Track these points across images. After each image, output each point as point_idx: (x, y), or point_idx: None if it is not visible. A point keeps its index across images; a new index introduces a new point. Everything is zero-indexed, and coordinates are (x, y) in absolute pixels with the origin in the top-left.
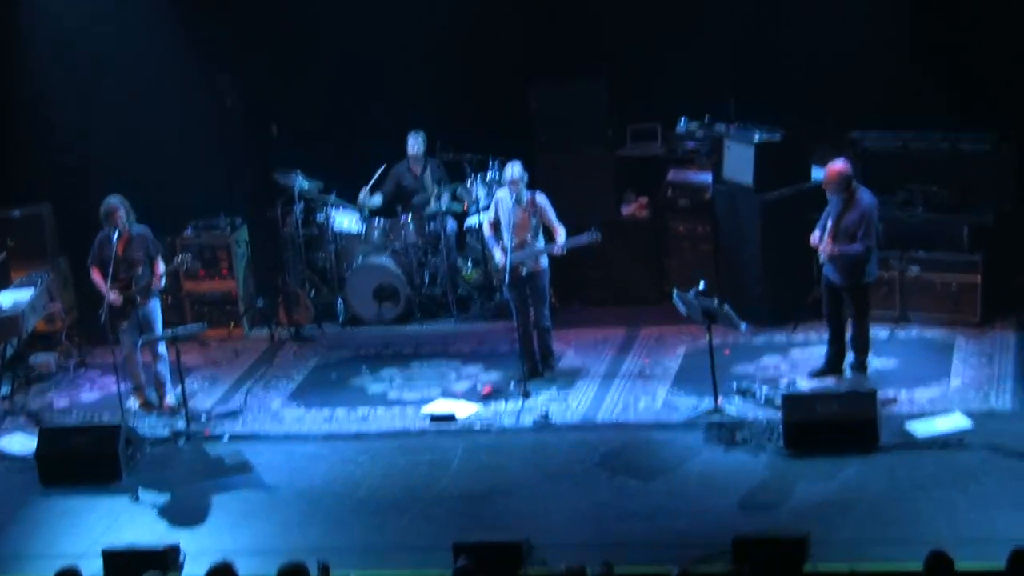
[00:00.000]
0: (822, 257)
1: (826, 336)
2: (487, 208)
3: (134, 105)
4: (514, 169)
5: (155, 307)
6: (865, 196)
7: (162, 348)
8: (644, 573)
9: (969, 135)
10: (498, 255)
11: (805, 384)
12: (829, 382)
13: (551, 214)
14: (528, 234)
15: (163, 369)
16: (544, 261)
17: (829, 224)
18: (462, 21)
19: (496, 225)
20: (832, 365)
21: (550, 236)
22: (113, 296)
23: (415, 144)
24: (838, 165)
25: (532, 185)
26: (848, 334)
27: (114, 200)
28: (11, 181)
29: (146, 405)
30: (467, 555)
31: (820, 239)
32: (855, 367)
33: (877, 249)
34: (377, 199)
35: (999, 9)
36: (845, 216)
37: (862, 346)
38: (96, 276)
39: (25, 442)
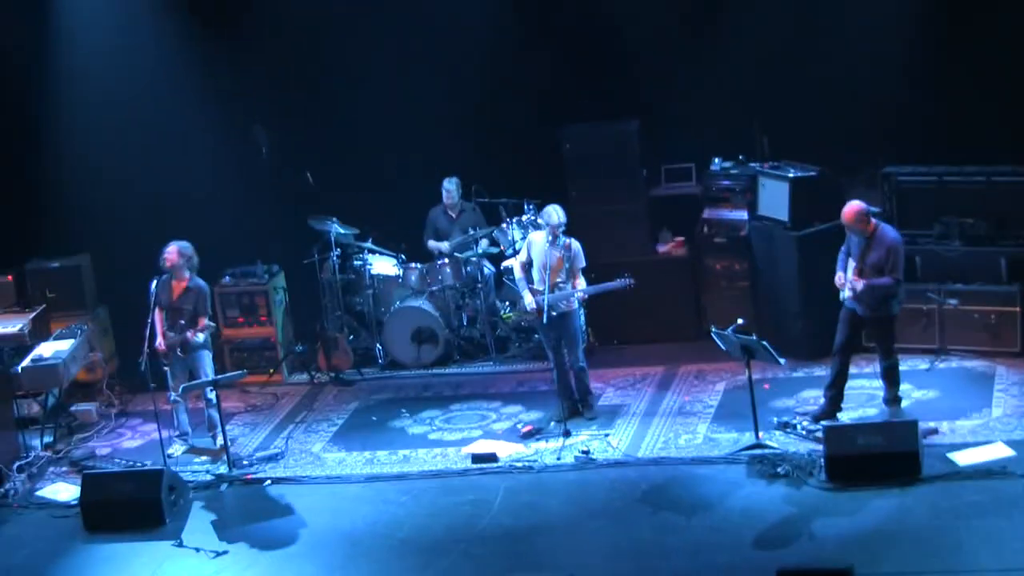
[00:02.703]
0: (846, 294)
1: (829, 373)
2: (521, 251)
3: (171, 155)
4: (559, 214)
5: (204, 357)
6: (888, 231)
7: (211, 394)
8: None
9: (1003, 168)
10: (527, 296)
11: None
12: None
13: (581, 262)
14: (560, 277)
15: (214, 414)
16: (575, 302)
17: (852, 262)
18: (495, 65)
19: (526, 266)
20: (833, 407)
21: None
22: (159, 342)
23: (451, 189)
24: (854, 205)
25: (568, 227)
26: (878, 368)
27: (173, 244)
28: (50, 232)
29: (192, 451)
30: None
31: (845, 278)
32: (889, 401)
33: (904, 282)
34: (445, 245)
35: None
36: (869, 254)
37: (894, 379)
38: (156, 318)
39: (69, 490)
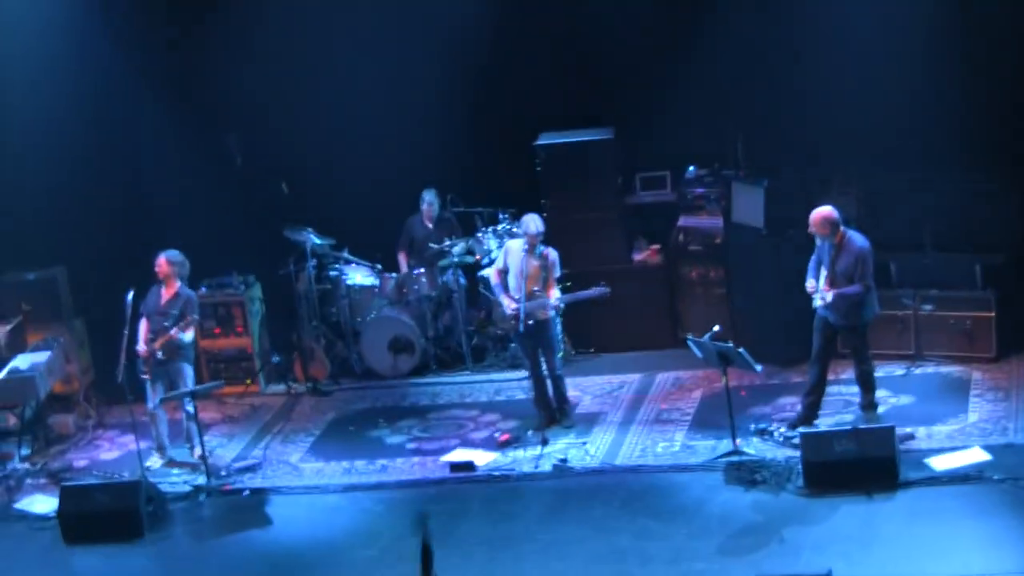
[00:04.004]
0: (818, 302)
1: (807, 380)
2: (497, 259)
3: (144, 167)
4: (536, 223)
5: (186, 369)
6: (856, 238)
7: (189, 406)
8: None
9: (977, 175)
10: (505, 302)
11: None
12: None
13: (557, 272)
14: (536, 286)
15: (192, 425)
16: (552, 311)
17: (824, 270)
18: (469, 76)
19: (503, 273)
20: (810, 414)
21: None
22: (141, 347)
23: (431, 201)
24: (821, 211)
25: (545, 236)
26: (853, 374)
27: (164, 253)
28: (25, 245)
29: (170, 463)
30: None
31: (816, 286)
32: (865, 406)
33: (876, 288)
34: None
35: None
36: (839, 261)
37: (869, 385)
38: (142, 326)
39: (46, 502)
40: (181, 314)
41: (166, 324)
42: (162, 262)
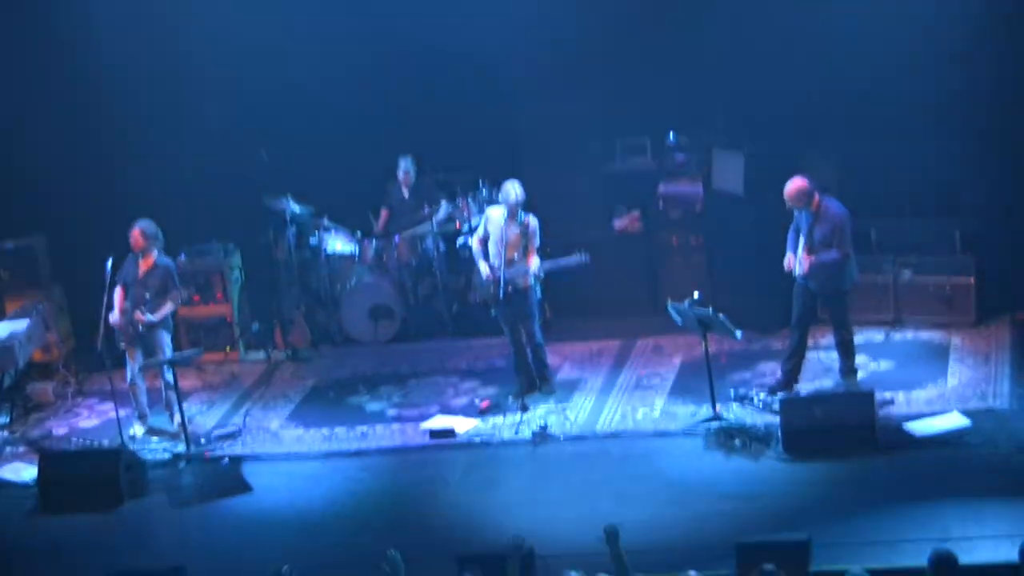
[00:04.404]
0: (798, 271)
1: (787, 345)
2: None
3: (123, 133)
4: (516, 191)
5: (164, 337)
6: (833, 205)
7: (168, 374)
8: None
9: (955, 139)
10: (484, 269)
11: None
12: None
13: (536, 241)
14: (516, 253)
15: (171, 393)
16: (532, 279)
17: (802, 238)
18: (449, 40)
19: (483, 241)
20: (790, 380)
21: None
22: (115, 315)
23: (408, 168)
24: (797, 181)
25: (525, 203)
26: (833, 340)
27: (137, 223)
28: (4, 212)
29: (151, 431)
30: (471, 567)
31: (795, 257)
32: (845, 373)
33: (856, 253)
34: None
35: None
36: (816, 229)
37: (849, 351)
38: (118, 295)
39: (25, 470)
40: (162, 286)
41: (147, 296)
42: (136, 235)
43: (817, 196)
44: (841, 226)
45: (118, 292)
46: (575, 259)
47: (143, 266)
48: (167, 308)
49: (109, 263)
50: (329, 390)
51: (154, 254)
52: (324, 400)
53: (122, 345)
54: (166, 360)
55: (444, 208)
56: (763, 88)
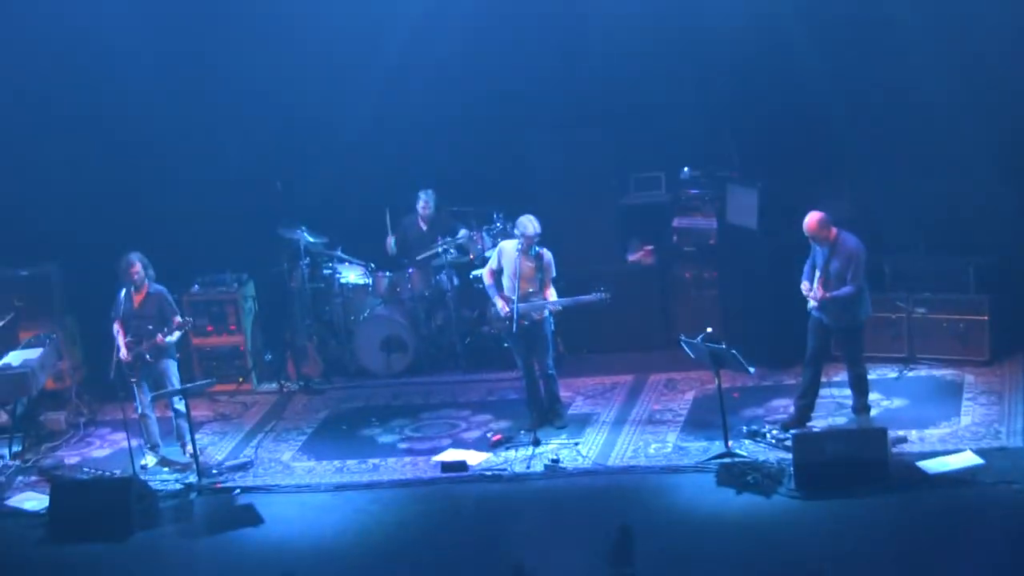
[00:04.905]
0: (811, 304)
1: (800, 382)
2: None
3: (139, 164)
4: (534, 224)
5: (170, 366)
6: (849, 240)
7: (179, 404)
8: None
9: (970, 177)
10: (499, 304)
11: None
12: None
13: (552, 273)
14: (531, 287)
15: (182, 423)
16: (546, 310)
17: (817, 272)
18: (464, 76)
19: (495, 274)
20: (803, 416)
21: None
22: (123, 353)
23: (427, 200)
24: (816, 215)
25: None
26: (847, 377)
27: (132, 257)
28: (19, 241)
29: (163, 462)
30: None
31: (810, 287)
32: (858, 410)
33: (869, 289)
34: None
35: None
36: (832, 262)
37: (862, 388)
38: (118, 331)
39: (37, 499)
40: (160, 314)
41: (149, 327)
42: (138, 267)
43: (834, 229)
44: (857, 259)
45: (117, 329)
46: (595, 296)
47: (137, 298)
48: (177, 331)
49: (122, 293)
50: (341, 422)
51: (147, 284)
52: (336, 432)
53: (132, 381)
54: (179, 390)
55: (464, 233)
56: (777, 124)
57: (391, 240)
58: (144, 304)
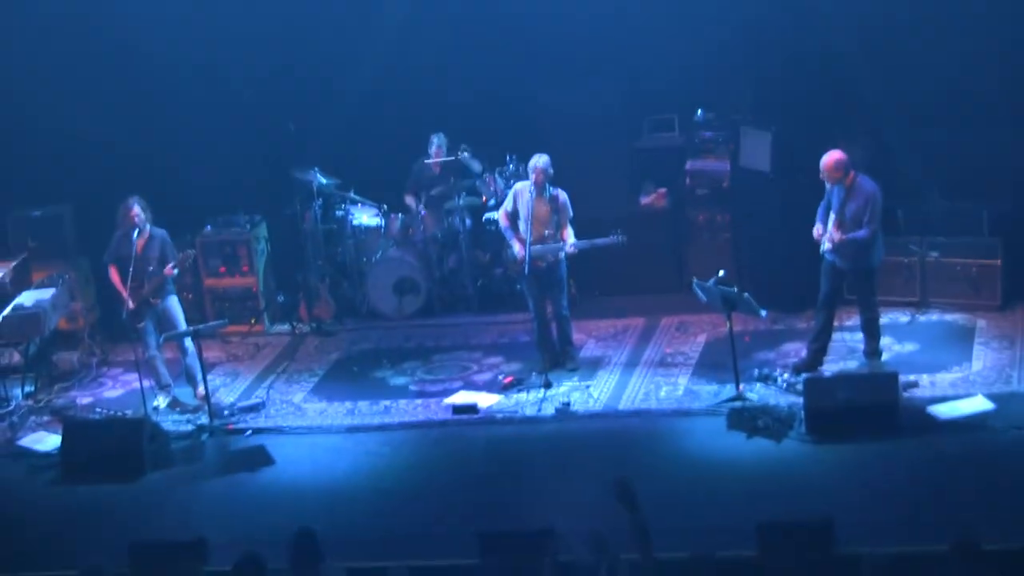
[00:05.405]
0: (826, 247)
1: (813, 325)
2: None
3: (151, 104)
4: (540, 160)
5: (173, 304)
6: (866, 183)
7: (188, 344)
8: (668, 559)
9: (984, 123)
10: (516, 246)
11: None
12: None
13: (569, 213)
14: (547, 229)
15: (192, 363)
16: (562, 252)
17: (832, 214)
18: (475, 19)
19: (511, 216)
20: (815, 360)
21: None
22: (129, 304)
23: (439, 143)
24: (835, 154)
25: (552, 179)
26: (859, 321)
27: (131, 201)
28: (32, 182)
29: (174, 403)
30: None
31: (824, 230)
32: (869, 353)
33: (883, 233)
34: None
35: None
36: (848, 204)
37: (874, 332)
38: (113, 275)
39: (49, 439)
40: (161, 256)
41: (150, 269)
42: (136, 210)
43: (852, 171)
44: (873, 203)
45: (113, 274)
46: (611, 239)
47: (140, 242)
48: (179, 262)
49: (135, 233)
50: (353, 364)
51: (147, 228)
52: (348, 374)
53: (139, 325)
54: (190, 331)
55: (471, 181)
56: (792, 67)
57: (411, 198)
58: (147, 247)
